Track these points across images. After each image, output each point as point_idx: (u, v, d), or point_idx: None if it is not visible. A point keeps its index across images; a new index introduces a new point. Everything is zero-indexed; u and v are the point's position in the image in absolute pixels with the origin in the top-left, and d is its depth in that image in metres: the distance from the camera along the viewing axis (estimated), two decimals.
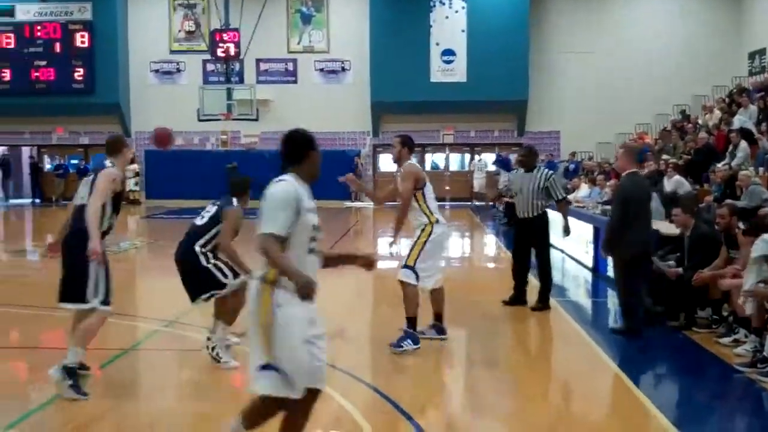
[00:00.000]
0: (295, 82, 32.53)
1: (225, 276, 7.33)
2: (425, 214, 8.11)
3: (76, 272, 6.50)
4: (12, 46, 31.66)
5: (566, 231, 10.53)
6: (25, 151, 35.32)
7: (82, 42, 31.58)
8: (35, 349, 8.66)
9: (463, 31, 30.82)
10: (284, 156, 4.69)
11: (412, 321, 8.07)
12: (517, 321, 10.08)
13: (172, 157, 31.61)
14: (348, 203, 30.20)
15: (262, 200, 4.49)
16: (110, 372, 7.47)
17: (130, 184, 30.97)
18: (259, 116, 29.52)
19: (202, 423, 6.19)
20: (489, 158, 31.79)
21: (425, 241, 8.02)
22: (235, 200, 7.54)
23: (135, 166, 31.37)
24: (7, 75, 31.65)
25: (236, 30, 29.83)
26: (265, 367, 4.40)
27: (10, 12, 31.67)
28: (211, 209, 7.61)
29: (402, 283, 8.05)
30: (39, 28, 31.60)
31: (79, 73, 31.51)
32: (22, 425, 5.98)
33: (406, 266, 8.02)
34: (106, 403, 6.52)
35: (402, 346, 7.95)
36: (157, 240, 19.28)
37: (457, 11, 30.88)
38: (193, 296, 7.53)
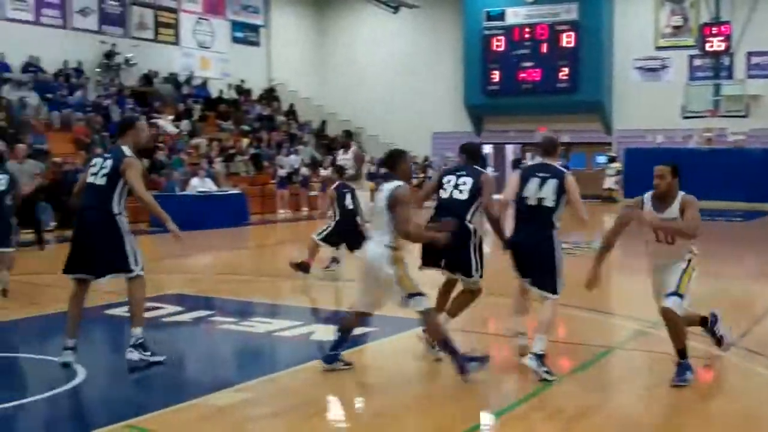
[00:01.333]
0: None
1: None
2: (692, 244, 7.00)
3: (546, 266, 7.01)
4: (502, 48, 33.26)
5: None
6: (509, 149, 37.03)
7: (568, 42, 32.14)
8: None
9: None
10: None
11: (682, 352, 6.84)
12: None
13: (653, 156, 31.00)
14: None
15: None
16: (593, 370, 7.32)
17: (609, 183, 30.98)
18: (748, 112, 27.81)
19: None
20: None
21: (693, 269, 6.92)
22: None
23: (617, 165, 31.27)
24: (496, 76, 33.34)
25: (727, 23, 28.46)
26: None
27: (501, 16, 33.30)
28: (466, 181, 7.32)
29: (667, 312, 6.84)
30: (527, 30, 32.80)
31: (563, 73, 32.13)
32: (504, 417, 6.01)
33: (676, 294, 6.78)
34: (591, 399, 6.37)
35: (686, 380, 6.71)
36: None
37: None
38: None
